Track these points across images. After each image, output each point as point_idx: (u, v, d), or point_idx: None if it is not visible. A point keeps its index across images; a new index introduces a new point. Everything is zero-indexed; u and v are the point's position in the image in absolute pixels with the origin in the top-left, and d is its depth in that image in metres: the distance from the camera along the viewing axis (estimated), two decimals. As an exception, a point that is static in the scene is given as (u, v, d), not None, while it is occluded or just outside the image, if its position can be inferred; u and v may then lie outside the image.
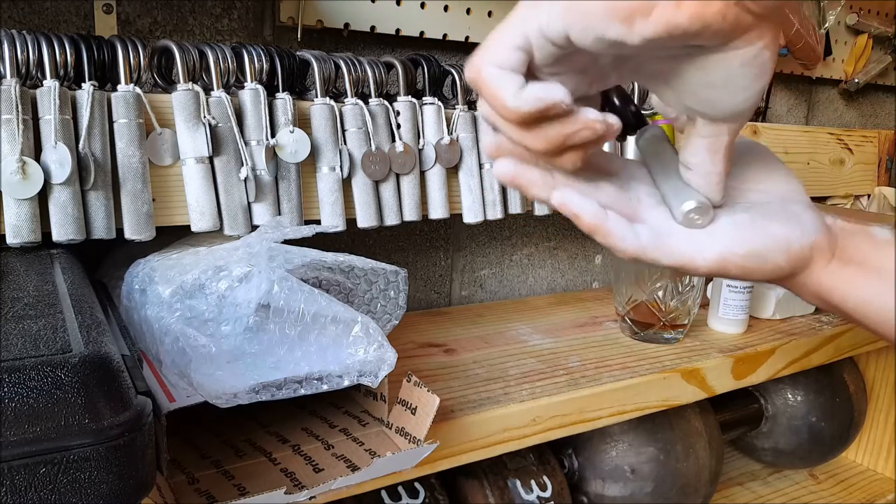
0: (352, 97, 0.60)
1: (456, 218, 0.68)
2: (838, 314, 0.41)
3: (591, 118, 0.34)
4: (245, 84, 0.56)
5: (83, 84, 0.50)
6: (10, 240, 0.48)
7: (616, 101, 0.41)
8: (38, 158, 0.47)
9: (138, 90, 0.51)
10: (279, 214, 0.57)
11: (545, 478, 0.69)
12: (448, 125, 0.65)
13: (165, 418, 0.35)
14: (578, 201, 0.38)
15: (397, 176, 0.63)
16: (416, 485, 0.63)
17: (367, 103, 0.61)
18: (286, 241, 0.48)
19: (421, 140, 0.64)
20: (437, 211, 0.66)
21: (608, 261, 1.01)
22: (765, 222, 0.39)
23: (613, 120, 0.35)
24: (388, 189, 0.62)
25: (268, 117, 0.56)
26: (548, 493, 0.69)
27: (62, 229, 0.49)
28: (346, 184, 0.61)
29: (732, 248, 0.38)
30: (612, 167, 0.41)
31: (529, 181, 0.38)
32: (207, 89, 0.54)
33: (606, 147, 0.75)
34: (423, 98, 0.65)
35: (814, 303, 0.42)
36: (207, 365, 0.41)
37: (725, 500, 0.96)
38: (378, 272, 0.52)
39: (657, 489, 0.74)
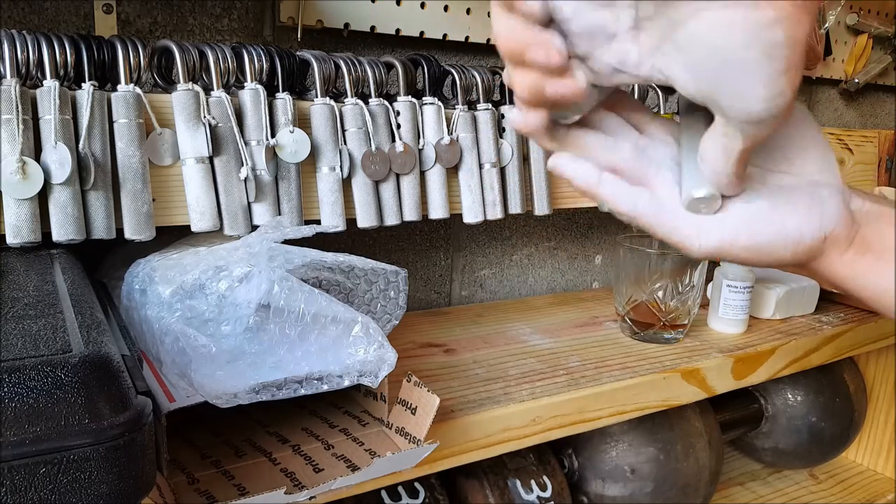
0: (352, 97, 0.60)
1: (456, 218, 0.68)
2: (855, 300, 0.40)
3: (552, 43, 0.33)
4: (245, 84, 0.56)
5: (83, 84, 0.50)
6: (10, 240, 0.48)
7: None
8: (38, 158, 0.47)
9: (138, 90, 0.51)
10: (279, 214, 0.57)
11: (545, 478, 0.69)
12: (448, 125, 0.65)
13: (165, 418, 0.35)
14: (571, 165, 0.38)
15: (397, 176, 0.63)
16: (416, 485, 0.63)
17: (367, 103, 0.61)
18: (286, 241, 0.48)
19: (421, 140, 0.64)
20: (437, 211, 0.66)
21: (608, 261, 1.01)
22: (782, 213, 0.37)
23: (579, 78, 0.34)
24: (388, 189, 0.62)
25: (268, 117, 0.56)
26: (548, 493, 0.69)
27: (62, 229, 0.49)
28: (346, 184, 0.61)
29: (736, 238, 0.37)
30: (638, 119, 0.40)
31: (539, 132, 0.38)
32: (207, 89, 0.54)
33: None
34: (423, 98, 0.65)
35: (829, 288, 0.41)
36: (207, 365, 0.41)
37: (725, 500, 0.96)
38: (378, 272, 0.52)
39: (657, 489, 0.74)
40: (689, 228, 0.37)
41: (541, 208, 0.73)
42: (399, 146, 0.62)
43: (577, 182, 0.38)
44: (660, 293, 0.72)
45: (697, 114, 0.39)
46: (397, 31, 0.73)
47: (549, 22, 0.34)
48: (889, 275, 0.37)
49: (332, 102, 0.59)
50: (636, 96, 0.77)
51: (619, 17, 0.33)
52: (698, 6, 0.30)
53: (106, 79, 0.52)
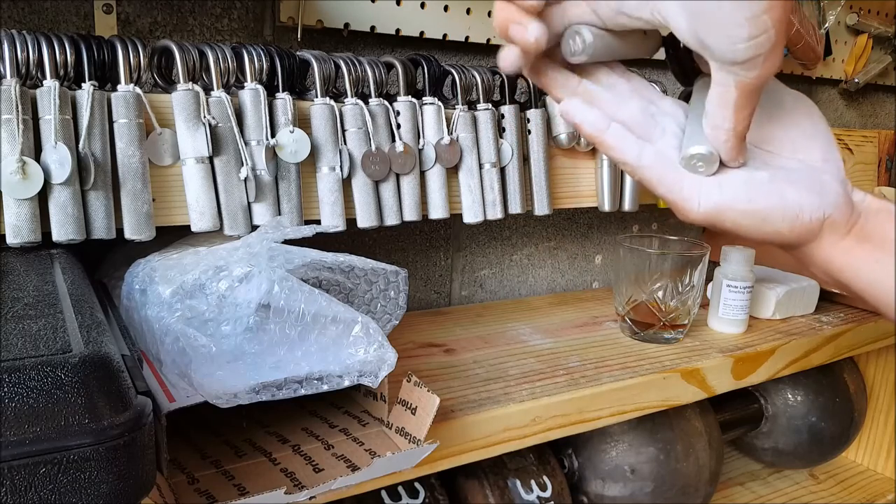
0: (352, 97, 0.60)
1: (456, 218, 0.68)
2: (847, 292, 0.40)
3: None
4: (245, 84, 0.56)
5: (83, 84, 0.50)
6: (10, 240, 0.48)
7: (681, 45, 0.42)
8: (38, 158, 0.47)
9: (138, 90, 0.51)
10: (279, 214, 0.57)
11: (545, 478, 0.69)
12: (448, 125, 0.65)
13: (165, 418, 0.35)
14: (581, 110, 0.39)
15: (397, 176, 0.63)
16: (416, 485, 0.63)
17: (367, 103, 0.61)
18: (286, 241, 0.48)
19: (421, 140, 0.64)
20: (437, 211, 0.66)
21: (608, 261, 1.01)
22: (782, 185, 0.38)
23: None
24: (388, 189, 0.62)
25: (268, 117, 0.56)
26: (548, 493, 0.69)
27: (62, 229, 0.49)
28: (346, 184, 0.61)
29: (735, 202, 0.37)
30: (650, 95, 0.42)
31: (552, 80, 0.40)
32: (207, 89, 0.54)
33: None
34: (423, 98, 0.65)
35: (822, 278, 0.40)
36: (207, 365, 0.41)
37: (725, 500, 0.96)
38: (378, 272, 0.52)
39: (657, 489, 0.74)
40: (691, 189, 0.38)
41: (541, 208, 0.73)
42: (399, 146, 0.62)
43: (585, 127, 0.39)
44: (660, 293, 0.72)
45: (706, 85, 0.40)
46: (397, 31, 0.73)
47: None
48: (883, 267, 0.37)
49: (332, 102, 0.59)
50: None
51: None
52: None
53: (106, 79, 0.52)
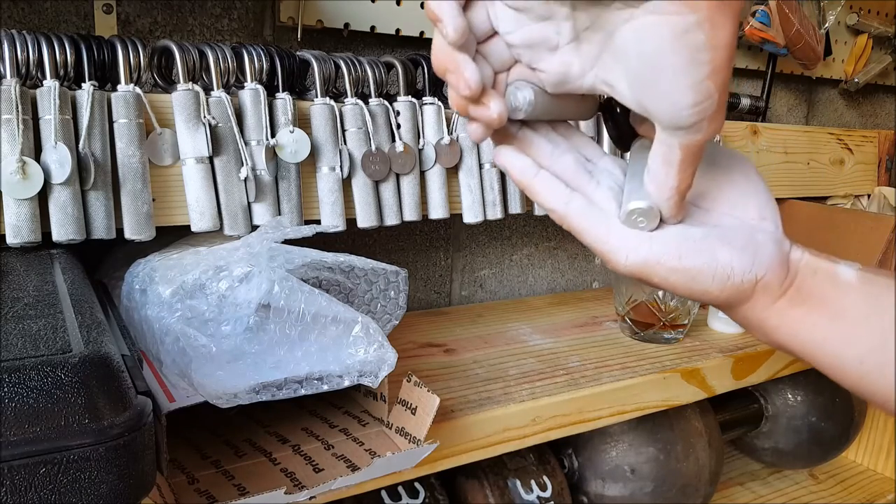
0: (352, 97, 0.60)
1: (456, 218, 0.68)
2: (785, 352, 0.39)
3: (465, 72, 0.33)
4: (245, 84, 0.56)
5: (83, 84, 0.50)
6: (10, 240, 0.48)
7: (618, 109, 0.41)
8: (38, 158, 0.47)
9: (138, 90, 0.51)
10: (279, 214, 0.57)
11: (545, 478, 0.69)
12: (448, 125, 0.65)
13: (165, 418, 0.35)
14: (511, 157, 0.38)
15: (397, 176, 0.63)
16: (416, 485, 0.63)
17: (367, 103, 0.61)
18: (286, 241, 0.48)
19: (421, 140, 0.64)
20: (437, 211, 0.66)
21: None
22: (715, 244, 0.37)
23: (495, 108, 0.34)
24: (388, 189, 0.62)
25: (268, 117, 0.56)
26: (548, 493, 0.69)
27: (62, 229, 0.49)
28: (346, 184, 0.61)
29: (664, 258, 0.36)
30: (590, 153, 0.41)
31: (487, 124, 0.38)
32: (207, 89, 0.54)
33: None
34: (423, 98, 0.65)
35: (758, 337, 0.40)
36: (208, 365, 0.41)
37: (725, 500, 0.96)
38: (378, 272, 0.52)
39: (657, 489, 0.74)
40: (619, 241, 0.37)
41: (540, 208, 0.72)
42: (399, 146, 0.62)
43: (514, 173, 0.38)
44: (660, 293, 0.72)
45: (647, 146, 0.39)
46: (397, 31, 0.73)
47: (491, 35, 0.35)
48: (820, 329, 0.37)
49: (332, 102, 0.59)
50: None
51: (560, 30, 0.33)
52: (629, 14, 0.31)
53: (106, 79, 0.52)
